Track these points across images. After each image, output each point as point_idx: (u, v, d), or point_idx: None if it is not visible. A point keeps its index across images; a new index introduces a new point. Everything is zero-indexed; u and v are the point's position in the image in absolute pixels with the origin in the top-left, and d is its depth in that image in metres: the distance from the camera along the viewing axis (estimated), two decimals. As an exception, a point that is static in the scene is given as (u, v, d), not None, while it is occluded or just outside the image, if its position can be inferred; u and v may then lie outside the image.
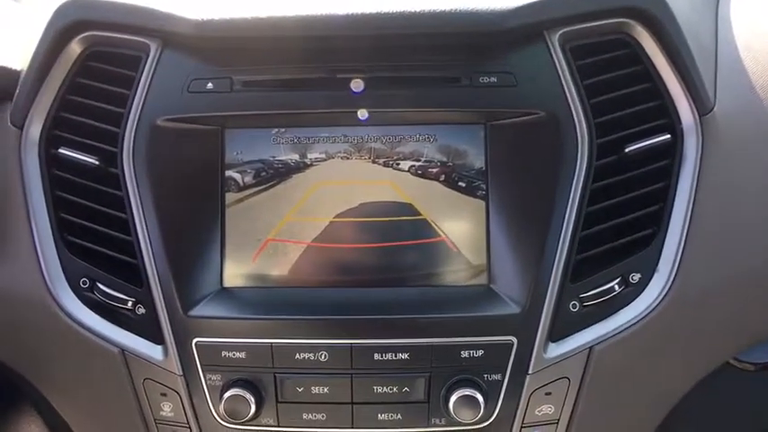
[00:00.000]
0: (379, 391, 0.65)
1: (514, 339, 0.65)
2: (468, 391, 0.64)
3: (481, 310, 0.66)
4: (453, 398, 0.64)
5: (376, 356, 0.65)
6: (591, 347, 0.66)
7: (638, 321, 0.66)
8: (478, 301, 0.67)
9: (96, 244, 0.68)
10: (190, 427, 0.68)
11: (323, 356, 0.66)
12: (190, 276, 0.67)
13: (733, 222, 0.67)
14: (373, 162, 0.68)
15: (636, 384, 0.68)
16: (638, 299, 0.66)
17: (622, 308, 0.66)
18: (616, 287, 0.66)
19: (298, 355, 0.66)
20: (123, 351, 0.68)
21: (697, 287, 0.66)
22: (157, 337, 0.67)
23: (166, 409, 0.68)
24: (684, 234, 0.65)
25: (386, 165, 0.68)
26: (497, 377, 0.65)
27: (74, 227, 0.69)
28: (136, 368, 0.68)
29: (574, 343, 0.66)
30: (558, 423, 0.67)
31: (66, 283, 0.69)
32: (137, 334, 0.68)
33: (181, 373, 0.67)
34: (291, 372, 0.66)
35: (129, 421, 0.69)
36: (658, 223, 0.66)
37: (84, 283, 0.69)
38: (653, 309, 0.66)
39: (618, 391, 0.68)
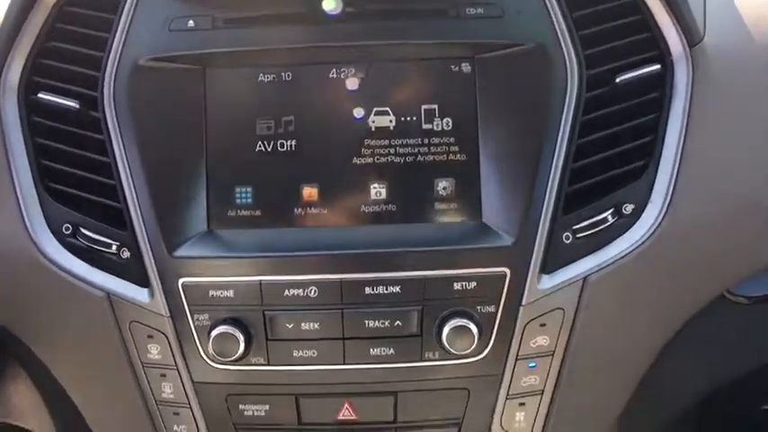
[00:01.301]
0: (371, 325, 0.64)
1: (507, 271, 0.64)
2: (461, 322, 0.63)
3: (473, 243, 0.65)
4: (446, 330, 0.63)
5: (367, 290, 0.64)
6: (585, 278, 0.65)
7: (631, 251, 0.65)
8: (470, 235, 0.66)
9: (79, 189, 0.67)
10: (178, 369, 0.67)
11: (312, 292, 0.64)
12: (175, 218, 0.65)
13: (725, 152, 0.66)
14: (357, 100, 0.66)
15: (631, 316, 0.67)
16: (631, 229, 0.65)
17: (616, 239, 0.65)
18: (609, 218, 0.65)
19: (287, 292, 0.64)
20: (108, 295, 0.66)
21: (690, 217, 0.65)
22: (143, 280, 0.66)
23: (153, 352, 0.67)
24: (677, 164, 0.65)
25: (370, 102, 0.66)
26: (491, 309, 0.64)
27: (55, 173, 0.67)
28: (121, 311, 0.66)
29: (567, 274, 0.65)
30: (553, 355, 0.66)
31: (48, 230, 0.67)
32: (122, 277, 0.66)
33: (168, 314, 0.66)
34: (281, 309, 0.64)
35: (115, 366, 0.68)
36: (650, 154, 0.65)
37: (67, 228, 0.67)
38: (647, 239, 0.65)
39: (613, 323, 0.67)
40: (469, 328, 0.63)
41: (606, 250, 0.65)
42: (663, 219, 0.65)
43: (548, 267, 0.65)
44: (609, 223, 0.65)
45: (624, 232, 0.66)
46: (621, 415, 0.71)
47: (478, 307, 0.64)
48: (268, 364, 0.66)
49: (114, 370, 0.68)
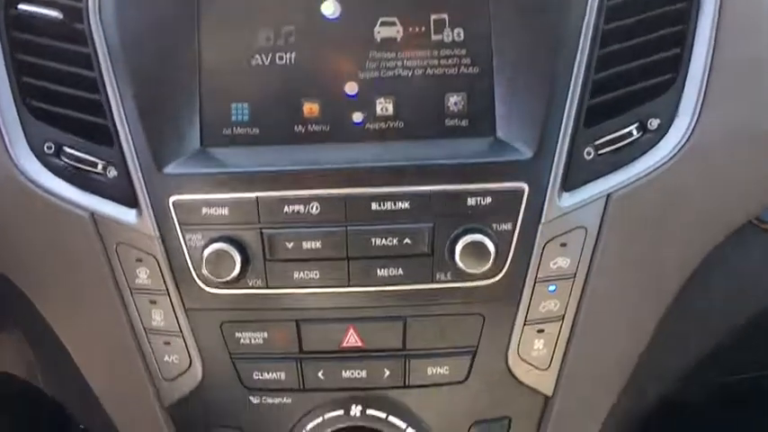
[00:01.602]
0: (378, 243, 0.59)
1: (525, 186, 0.59)
2: (476, 237, 0.58)
3: (489, 156, 0.60)
4: (459, 247, 0.58)
5: (373, 207, 0.59)
6: (608, 195, 0.60)
7: (658, 168, 0.60)
8: (485, 150, 0.61)
9: (62, 107, 0.61)
10: (168, 295, 0.61)
11: (314, 209, 0.59)
12: (165, 135, 0.60)
13: (756, 66, 0.61)
14: (362, 9, 0.60)
15: (657, 236, 0.62)
16: (657, 146, 0.61)
17: (641, 156, 0.60)
18: (634, 132, 0.60)
19: (286, 209, 0.59)
20: (93, 215, 0.61)
21: (719, 133, 0.61)
22: (130, 200, 0.61)
23: (143, 276, 0.62)
24: (705, 78, 0.60)
25: (375, 12, 0.60)
26: (507, 227, 0.59)
27: (37, 91, 0.62)
28: (107, 232, 0.61)
29: (590, 191, 0.60)
30: (574, 278, 0.61)
31: (28, 149, 0.62)
32: (108, 198, 0.61)
33: (157, 234, 0.60)
34: (280, 227, 0.59)
35: (101, 294, 0.62)
36: (677, 67, 0.60)
37: (50, 147, 0.62)
38: (674, 155, 0.60)
39: (638, 244, 0.62)
40: (485, 245, 0.58)
41: (631, 167, 0.60)
42: (690, 135, 0.60)
43: (569, 184, 0.60)
44: (633, 138, 0.60)
45: (649, 149, 0.61)
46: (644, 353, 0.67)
47: (494, 225, 0.59)
48: (266, 287, 0.61)
49: (100, 298, 0.63)
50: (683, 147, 0.61)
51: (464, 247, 0.58)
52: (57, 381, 0.74)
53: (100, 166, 0.61)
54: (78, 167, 0.62)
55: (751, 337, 0.70)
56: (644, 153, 0.61)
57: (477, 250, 0.58)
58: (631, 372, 0.65)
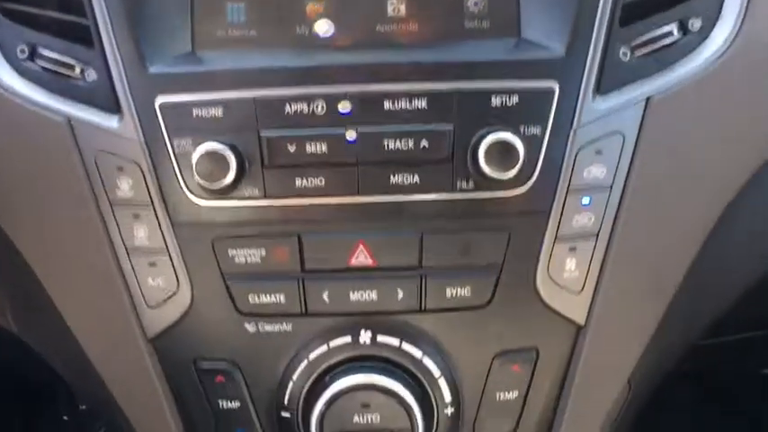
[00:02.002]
0: (391, 147, 0.52)
1: (556, 85, 0.53)
2: (502, 136, 0.51)
3: (515, 55, 0.54)
4: (483, 147, 0.51)
5: (386, 105, 0.52)
6: (648, 99, 0.54)
7: (701, 72, 0.54)
8: (510, 49, 0.54)
9: (38, 6, 0.55)
10: (154, 207, 0.55)
11: (319, 107, 0.52)
12: (152, 34, 0.54)
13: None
14: None
15: (699, 148, 0.56)
16: (699, 48, 0.55)
17: (682, 58, 0.55)
18: (675, 31, 0.54)
19: (288, 109, 0.52)
20: (70, 121, 0.54)
21: (766, 35, 0.55)
22: (112, 106, 0.54)
23: (125, 187, 0.55)
24: None
25: None
26: (537, 131, 0.53)
27: None
28: (86, 140, 0.55)
29: (627, 95, 0.54)
30: (610, 190, 0.54)
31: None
32: (87, 104, 0.55)
33: (142, 140, 0.54)
34: (280, 128, 0.53)
35: (79, 210, 0.55)
36: None
37: (23, 51, 0.55)
38: (718, 58, 0.54)
39: (680, 155, 0.56)
40: (512, 144, 0.51)
41: (671, 70, 0.55)
42: (735, 37, 0.54)
43: (603, 87, 0.54)
44: (673, 39, 0.54)
45: (691, 52, 0.55)
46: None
47: (522, 127, 0.53)
48: (264, 197, 0.54)
49: (77, 215, 0.56)
50: (727, 50, 0.55)
51: (489, 148, 0.51)
52: (29, 320, 0.66)
53: (78, 69, 0.55)
54: (54, 71, 0.55)
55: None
56: (685, 56, 0.55)
57: (503, 151, 0.51)
58: (669, 303, 0.59)
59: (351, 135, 0.53)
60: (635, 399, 0.64)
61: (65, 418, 1.50)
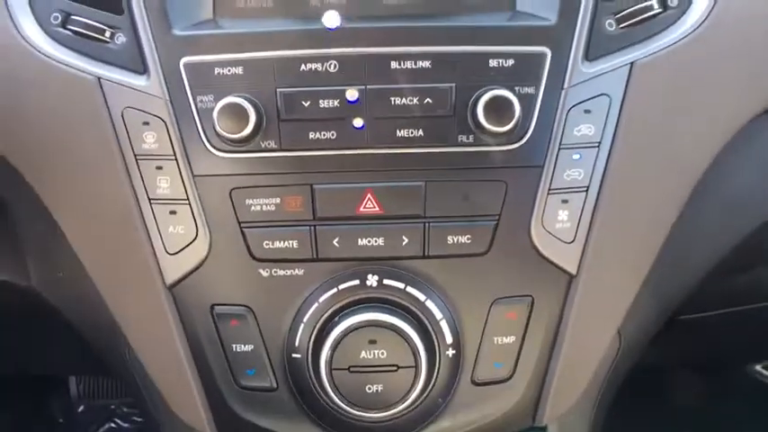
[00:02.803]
0: (398, 103, 0.57)
1: (548, 51, 0.58)
2: (500, 92, 0.56)
3: (511, 22, 0.59)
4: (483, 102, 0.56)
5: (393, 65, 0.57)
6: (632, 63, 0.59)
7: (680, 41, 0.59)
8: (506, 19, 0.60)
9: None
10: (176, 160, 0.58)
11: (332, 67, 0.57)
12: (176, 4, 0.59)
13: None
14: None
15: (681, 110, 0.61)
16: (679, 21, 0.60)
17: (664, 30, 0.60)
18: (655, 5, 0.59)
19: (303, 67, 0.57)
20: (100, 80, 0.59)
21: (742, 10, 0.60)
22: (139, 67, 0.59)
23: (149, 141, 0.59)
24: None
25: None
26: (531, 90, 0.58)
27: None
28: (114, 97, 0.59)
29: (613, 60, 0.59)
30: (599, 147, 0.59)
31: (34, 20, 0.60)
32: (116, 65, 0.59)
33: (167, 96, 0.58)
34: (296, 86, 0.57)
35: (105, 162, 0.59)
36: None
37: (56, 18, 0.60)
38: (696, 29, 0.59)
39: (663, 116, 0.60)
40: (509, 100, 0.56)
41: (653, 40, 0.60)
42: (711, 11, 0.60)
43: (591, 54, 0.59)
44: (654, 12, 0.59)
45: (672, 24, 0.60)
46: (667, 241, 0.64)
47: (517, 87, 0.57)
48: (280, 149, 0.58)
49: (103, 167, 0.60)
50: (704, 21, 0.60)
51: (488, 103, 0.56)
52: (48, 272, 0.69)
53: (108, 33, 0.59)
54: (86, 35, 0.60)
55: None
56: (666, 28, 0.60)
57: (500, 107, 0.56)
58: (656, 257, 0.63)
59: (361, 92, 0.57)
60: (625, 354, 0.67)
61: (60, 420, 1.51)
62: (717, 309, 0.85)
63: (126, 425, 1.43)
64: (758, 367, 1.29)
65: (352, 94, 0.57)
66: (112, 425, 1.45)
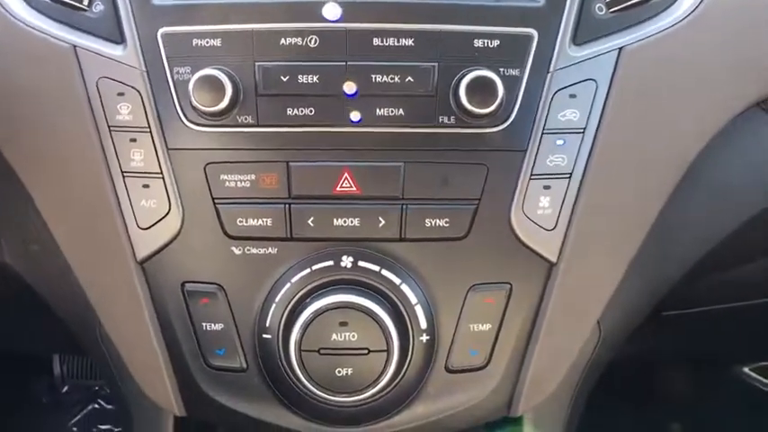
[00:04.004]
0: (379, 80, 0.56)
1: (535, 32, 0.56)
2: (483, 72, 0.54)
3: (498, 1, 0.57)
4: (465, 82, 0.54)
5: (375, 42, 0.56)
6: (621, 48, 0.57)
7: (670, 28, 0.58)
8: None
9: None
10: (151, 132, 0.57)
11: (313, 41, 0.56)
12: None
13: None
14: None
15: (669, 99, 0.59)
16: (670, 8, 0.58)
17: (654, 16, 0.58)
18: None
19: (283, 41, 0.56)
20: (75, 48, 0.57)
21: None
22: (116, 36, 0.57)
23: (123, 112, 0.57)
24: None
25: None
26: (515, 72, 0.56)
27: None
28: (89, 67, 0.57)
29: (601, 45, 0.58)
30: (583, 133, 0.58)
31: None
32: (93, 34, 0.58)
33: (143, 67, 0.57)
34: (275, 60, 0.56)
35: (78, 132, 0.58)
36: None
37: None
38: (687, 16, 0.58)
39: (650, 105, 0.59)
40: (492, 81, 0.54)
41: (643, 26, 0.58)
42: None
43: (579, 38, 0.58)
44: None
45: (661, 11, 0.59)
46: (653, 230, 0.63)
47: (501, 69, 0.56)
48: (257, 125, 0.56)
49: (77, 137, 0.58)
50: (695, 9, 0.58)
51: (470, 83, 0.55)
52: (22, 247, 0.68)
53: (86, 0, 0.58)
54: (63, 2, 0.58)
55: (761, 228, 0.68)
56: (657, 14, 0.59)
57: (483, 87, 0.55)
58: (640, 247, 0.62)
59: (341, 68, 0.56)
60: (604, 346, 0.66)
61: (44, 401, 1.51)
62: (702, 305, 0.85)
63: (110, 406, 1.43)
64: (746, 370, 1.30)
65: (332, 70, 0.56)
66: (96, 405, 1.45)
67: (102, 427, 1.43)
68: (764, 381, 1.26)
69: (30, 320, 0.95)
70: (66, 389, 1.47)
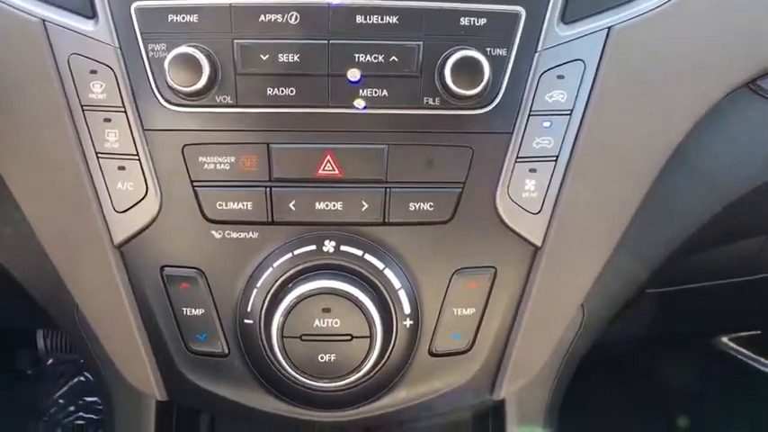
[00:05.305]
0: (362, 60, 0.54)
1: (522, 10, 0.54)
2: (469, 53, 0.53)
3: None
4: (450, 63, 0.53)
5: (358, 19, 0.54)
6: (609, 28, 0.56)
7: (659, 7, 0.56)
8: None
9: None
10: (125, 112, 0.55)
11: (293, 18, 0.54)
12: None
13: None
14: None
15: (657, 80, 0.58)
16: None
17: None
18: None
19: (263, 18, 0.54)
20: (45, 23, 0.55)
21: None
22: (87, 10, 0.55)
23: (96, 90, 0.55)
24: None
25: None
26: (502, 52, 0.55)
27: None
28: (60, 43, 0.55)
29: (589, 24, 0.56)
30: (570, 114, 0.56)
31: None
32: (63, 8, 0.55)
33: (116, 44, 0.54)
34: (254, 38, 0.54)
35: (50, 112, 0.56)
36: None
37: None
38: None
39: (638, 85, 0.58)
40: (478, 61, 0.53)
41: (631, 5, 0.57)
42: None
43: (567, 16, 0.56)
44: None
45: None
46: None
47: (488, 49, 0.54)
48: (236, 105, 0.55)
49: (49, 117, 0.56)
50: None
51: (455, 63, 0.53)
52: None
53: None
54: None
55: (744, 210, 0.67)
56: None
57: (469, 68, 0.53)
58: (625, 230, 0.62)
59: (323, 46, 0.54)
60: (588, 327, 0.66)
61: (28, 372, 1.50)
62: (684, 284, 0.85)
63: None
64: (725, 339, 1.32)
65: (313, 47, 0.54)
66: (82, 378, 1.45)
67: (89, 399, 1.44)
68: (742, 350, 1.29)
69: (6, 300, 0.94)
70: (50, 362, 1.47)
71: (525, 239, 0.59)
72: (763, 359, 1.25)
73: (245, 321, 0.58)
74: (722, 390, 1.27)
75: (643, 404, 1.28)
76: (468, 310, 0.59)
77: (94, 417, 1.38)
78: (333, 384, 0.57)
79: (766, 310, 1.02)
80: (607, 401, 1.25)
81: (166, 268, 0.58)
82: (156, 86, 0.55)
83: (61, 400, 1.42)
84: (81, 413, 1.40)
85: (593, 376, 0.84)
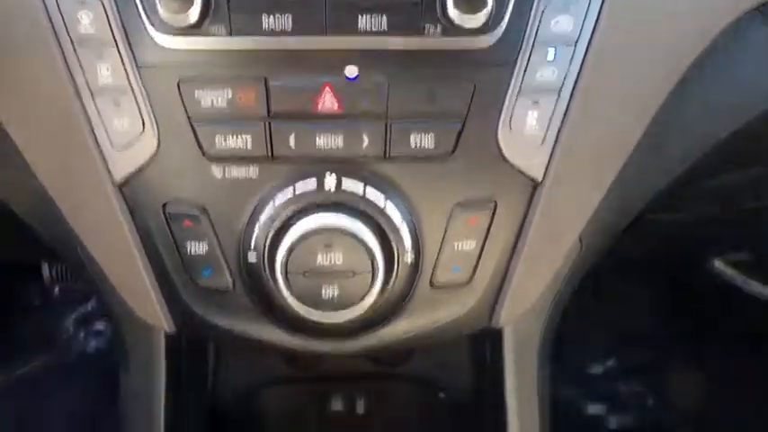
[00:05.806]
0: None
1: None
2: None
3: None
4: None
5: None
6: None
7: None
8: None
9: None
10: (117, 47, 0.54)
11: None
12: None
13: None
14: None
15: (666, 8, 0.57)
16: None
17: None
18: None
19: None
20: None
21: None
22: None
23: (85, 22, 0.53)
24: None
25: None
26: None
27: None
28: None
29: None
30: (576, 45, 0.55)
31: None
32: None
33: None
34: None
35: (40, 50, 0.54)
36: None
37: None
38: None
39: (648, 9, 0.56)
40: None
41: None
42: None
43: None
44: None
45: None
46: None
47: None
48: (230, 35, 0.53)
49: (39, 51, 0.54)
50: None
51: None
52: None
53: None
54: None
55: (747, 141, 0.67)
56: None
57: None
58: (625, 162, 0.61)
59: None
60: (584, 257, 0.67)
61: (36, 303, 1.53)
62: (684, 210, 0.85)
63: (104, 306, 1.45)
64: (716, 263, 1.33)
65: None
66: (89, 308, 1.48)
67: (98, 327, 1.47)
68: (735, 273, 1.31)
69: (9, 235, 0.94)
70: (57, 291, 1.49)
71: (526, 174, 0.58)
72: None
73: (249, 258, 0.58)
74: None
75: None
76: (469, 243, 0.59)
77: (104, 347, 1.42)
78: (335, 317, 0.58)
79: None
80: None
81: (169, 206, 0.58)
82: (148, 18, 0.53)
83: (71, 328, 1.45)
84: (92, 340, 1.45)
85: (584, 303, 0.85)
